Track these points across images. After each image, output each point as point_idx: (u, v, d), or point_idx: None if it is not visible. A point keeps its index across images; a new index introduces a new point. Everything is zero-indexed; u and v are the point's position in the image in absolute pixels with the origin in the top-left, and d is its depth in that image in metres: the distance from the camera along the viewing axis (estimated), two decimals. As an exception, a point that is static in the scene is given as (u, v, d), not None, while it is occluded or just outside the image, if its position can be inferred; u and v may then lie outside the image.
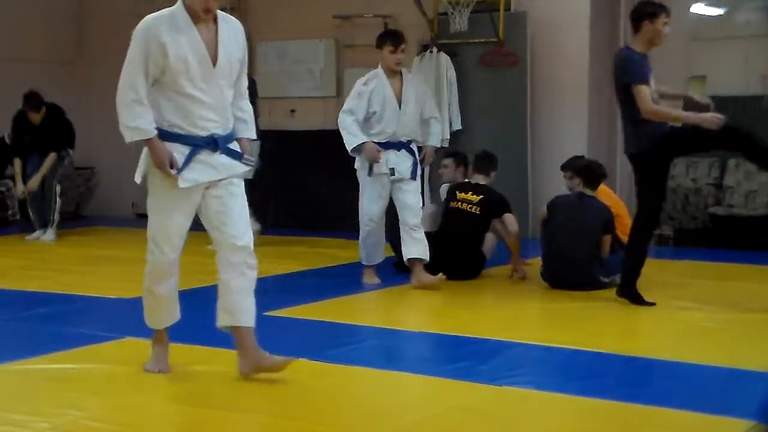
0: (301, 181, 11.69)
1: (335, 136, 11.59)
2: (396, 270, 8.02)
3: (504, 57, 10.40)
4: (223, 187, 4.71)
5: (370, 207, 7.39)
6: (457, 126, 10.52)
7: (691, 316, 6.33)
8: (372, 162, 7.27)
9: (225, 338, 5.57)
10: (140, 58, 4.49)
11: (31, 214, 10.70)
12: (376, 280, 7.50)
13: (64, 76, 12.81)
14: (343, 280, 7.84)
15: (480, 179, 8.03)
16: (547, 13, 10.46)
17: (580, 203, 7.37)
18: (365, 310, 6.60)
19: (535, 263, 7.69)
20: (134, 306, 6.76)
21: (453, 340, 5.72)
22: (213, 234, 4.81)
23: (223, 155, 4.66)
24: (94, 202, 13.25)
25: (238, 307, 4.75)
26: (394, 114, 7.28)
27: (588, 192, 7.42)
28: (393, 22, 11.28)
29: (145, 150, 4.60)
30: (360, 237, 7.53)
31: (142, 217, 12.02)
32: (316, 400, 4.37)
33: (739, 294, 7.14)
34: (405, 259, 7.37)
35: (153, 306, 4.90)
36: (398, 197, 7.40)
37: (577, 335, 5.72)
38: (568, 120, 10.42)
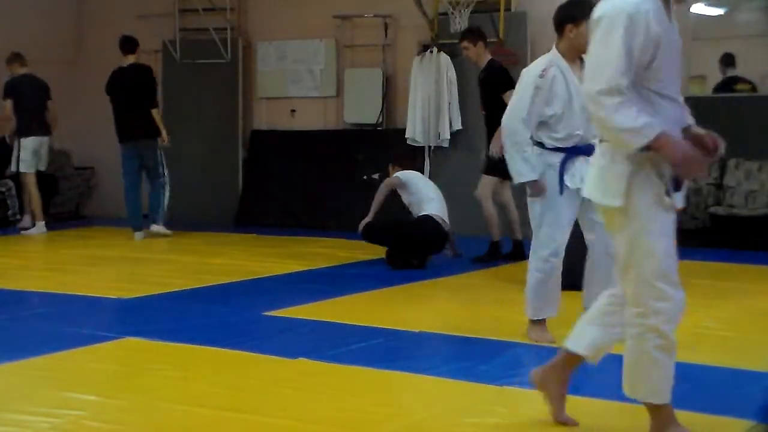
0: (301, 181, 11.68)
1: (335, 136, 11.75)
2: (390, 266, 8.08)
3: (504, 57, 10.39)
4: None
5: (554, 235, 5.44)
6: (457, 126, 10.53)
7: (691, 316, 6.32)
8: (534, 196, 5.50)
9: (223, 338, 5.58)
10: (628, 44, 3.51)
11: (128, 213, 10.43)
12: (549, 337, 5.55)
13: (64, 76, 12.80)
14: (344, 279, 7.84)
15: None
16: (547, 13, 10.32)
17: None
18: (365, 310, 6.59)
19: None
20: (134, 306, 6.80)
21: (453, 340, 5.72)
22: None
23: None
24: (94, 202, 13.25)
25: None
26: (581, 110, 5.33)
27: (583, 191, 7.41)
28: (393, 22, 11.29)
29: (624, 162, 3.59)
30: (531, 280, 5.59)
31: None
32: (316, 400, 4.37)
33: (739, 294, 7.14)
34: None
35: (658, 369, 3.69)
36: (592, 218, 5.43)
37: (577, 335, 5.72)
38: (568, 120, 10.42)
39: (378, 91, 11.31)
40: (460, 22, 10.24)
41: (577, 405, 4.31)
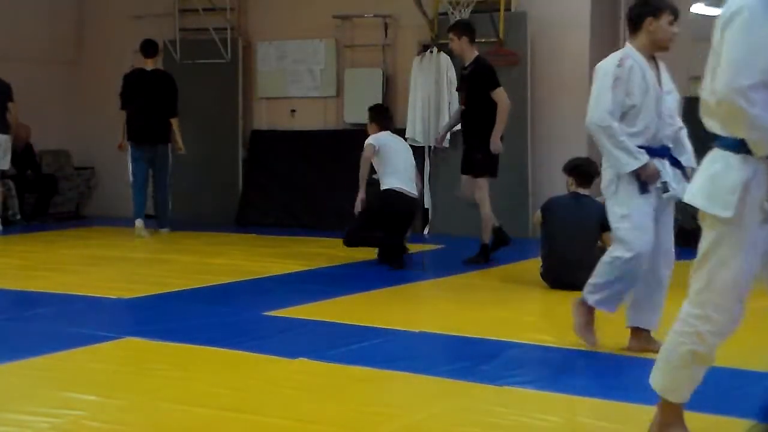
0: (301, 181, 11.68)
1: (335, 136, 11.74)
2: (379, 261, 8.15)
3: (504, 57, 10.41)
4: None
5: (635, 237, 5.16)
6: (457, 126, 10.51)
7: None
8: (650, 181, 5.15)
9: (223, 338, 5.58)
10: None
11: (133, 198, 10.94)
12: (593, 339, 5.37)
13: (64, 76, 12.81)
14: (344, 279, 7.84)
15: None
16: (547, 13, 10.47)
17: (575, 203, 7.37)
18: (365, 310, 6.59)
19: (535, 263, 7.68)
20: (134, 306, 6.80)
21: (453, 340, 5.72)
22: None
23: None
24: (94, 202, 13.25)
25: None
26: (656, 108, 5.19)
27: (582, 191, 7.42)
28: (393, 22, 11.30)
29: (741, 169, 3.42)
30: (604, 274, 5.28)
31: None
32: (316, 400, 4.37)
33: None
34: (631, 325, 5.36)
35: (687, 371, 3.70)
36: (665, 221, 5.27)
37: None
38: (568, 120, 10.42)
39: (378, 91, 11.31)
40: (460, 22, 10.24)
41: (572, 403, 4.31)
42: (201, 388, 4.56)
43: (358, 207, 8.48)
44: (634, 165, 5.09)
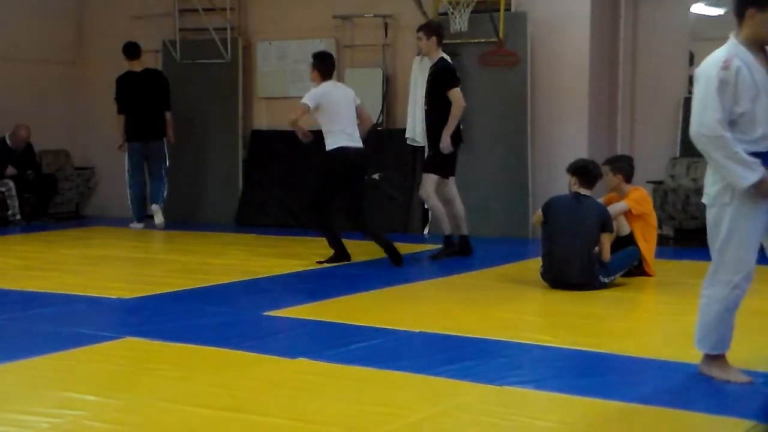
0: (301, 181, 11.67)
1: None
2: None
3: (504, 57, 10.41)
4: None
5: (747, 257, 4.64)
6: (457, 126, 10.53)
7: (691, 316, 6.31)
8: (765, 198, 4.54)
9: (223, 338, 5.58)
10: None
11: (131, 203, 11.48)
12: (742, 375, 4.73)
13: (64, 76, 12.81)
14: (344, 279, 7.84)
15: None
16: (547, 13, 10.46)
17: (576, 203, 7.37)
18: (365, 310, 6.59)
19: (535, 263, 7.68)
20: (134, 306, 6.80)
21: (453, 340, 5.72)
22: None
23: None
24: (94, 202, 13.25)
25: None
26: None
27: (583, 191, 7.42)
28: (393, 22, 11.30)
29: None
30: (711, 308, 4.77)
31: (142, 217, 11.95)
32: (316, 400, 4.37)
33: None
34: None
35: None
36: None
37: (577, 335, 5.73)
38: (568, 120, 10.43)
39: (378, 91, 11.31)
40: (460, 22, 10.24)
41: (572, 403, 4.32)
42: (201, 388, 4.56)
43: (303, 137, 8.48)
44: (752, 179, 4.45)
